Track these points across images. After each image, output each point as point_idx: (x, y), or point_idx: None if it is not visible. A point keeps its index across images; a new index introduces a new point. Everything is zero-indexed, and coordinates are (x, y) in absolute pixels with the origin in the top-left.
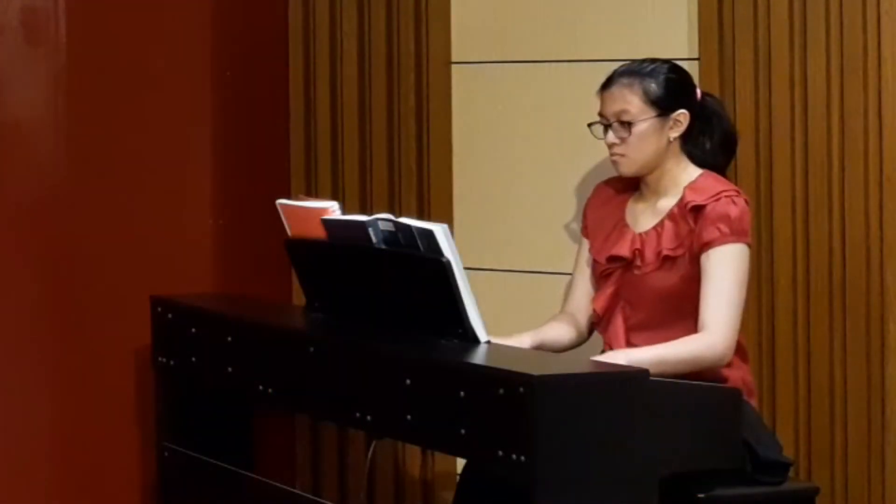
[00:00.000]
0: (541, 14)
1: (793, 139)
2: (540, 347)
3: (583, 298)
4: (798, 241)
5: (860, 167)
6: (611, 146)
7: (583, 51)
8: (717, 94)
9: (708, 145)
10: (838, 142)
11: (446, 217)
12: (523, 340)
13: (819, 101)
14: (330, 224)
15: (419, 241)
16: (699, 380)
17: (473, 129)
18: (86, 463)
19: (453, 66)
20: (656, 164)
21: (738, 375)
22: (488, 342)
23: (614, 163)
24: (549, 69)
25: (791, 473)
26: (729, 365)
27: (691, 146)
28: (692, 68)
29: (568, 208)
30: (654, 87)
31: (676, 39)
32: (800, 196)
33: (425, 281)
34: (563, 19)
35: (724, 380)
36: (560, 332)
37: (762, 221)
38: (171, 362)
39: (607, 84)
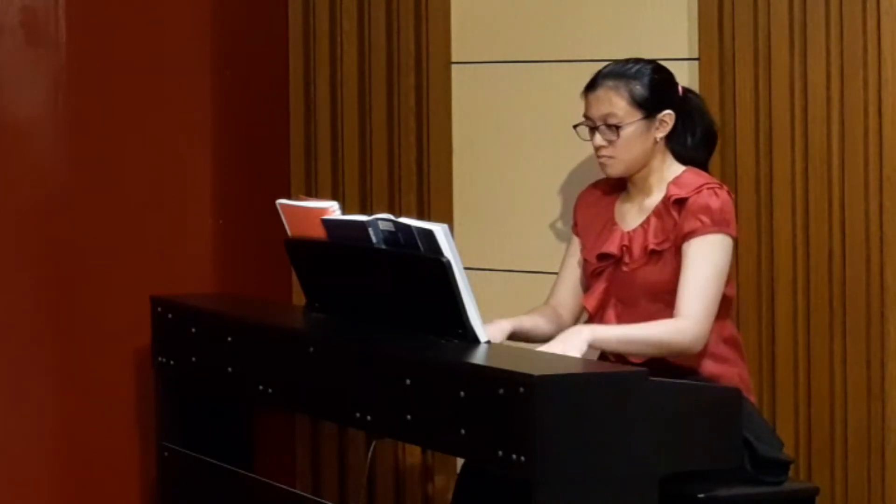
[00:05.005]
0: (541, 14)
1: (793, 139)
2: (517, 334)
3: (567, 293)
4: (798, 241)
5: (860, 167)
6: (598, 148)
7: (583, 51)
8: (716, 94)
9: (690, 141)
10: (838, 142)
11: (446, 217)
12: (503, 326)
13: (819, 101)
14: (330, 224)
15: (419, 241)
16: (694, 375)
17: (473, 129)
18: (86, 463)
19: (453, 66)
20: (643, 164)
21: (735, 372)
22: (488, 342)
23: (602, 165)
24: (549, 69)
25: (791, 473)
26: (725, 360)
27: (675, 143)
28: (692, 68)
29: (568, 208)
30: (639, 88)
31: (676, 39)
32: (800, 196)
33: (425, 281)
34: (563, 19)
35: (719, 376)
36: (538, 322)
37: (762, 221)
38: (171, 362)
39: (592, 86)
